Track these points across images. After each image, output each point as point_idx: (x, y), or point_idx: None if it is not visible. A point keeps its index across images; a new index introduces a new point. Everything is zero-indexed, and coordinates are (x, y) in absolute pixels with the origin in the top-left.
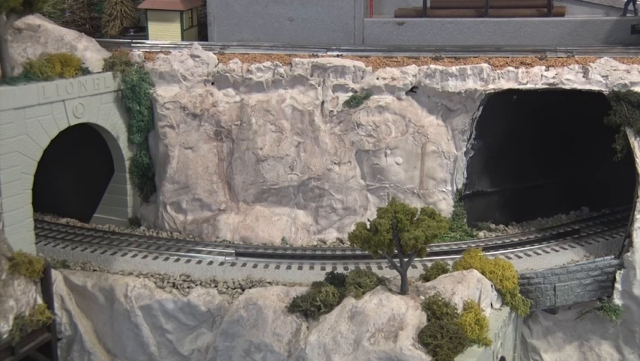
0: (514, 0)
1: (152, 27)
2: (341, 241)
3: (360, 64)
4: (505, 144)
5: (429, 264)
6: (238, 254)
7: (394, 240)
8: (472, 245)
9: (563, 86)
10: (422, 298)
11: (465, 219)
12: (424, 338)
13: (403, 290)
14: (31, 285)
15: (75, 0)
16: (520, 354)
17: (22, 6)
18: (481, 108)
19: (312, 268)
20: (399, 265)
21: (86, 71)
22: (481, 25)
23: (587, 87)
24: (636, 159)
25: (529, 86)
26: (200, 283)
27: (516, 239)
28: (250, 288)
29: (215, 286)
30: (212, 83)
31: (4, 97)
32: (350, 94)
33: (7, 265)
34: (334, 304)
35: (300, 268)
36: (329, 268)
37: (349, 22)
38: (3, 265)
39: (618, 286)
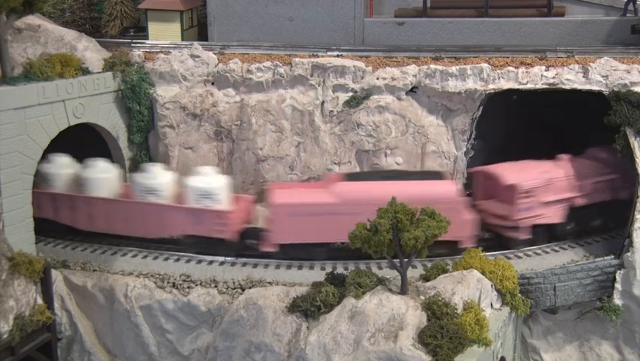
0: (514, 0)
1: (152, 27)
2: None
3: (360, 64)
4: (505, 143)
5: (429, 264)
6: (238, 254)
7: (394, 240)
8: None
9: (563, 86)
10: (422, 298)
11: None
12: (424, 338)
13: (403, 290)
14: (31, 285)
15: (75, 0)
16: (520, 354)
17: (22, 6)
18: (481, 108)
19: (312, 268)
20: (399, 265)
21: (86, 71)
22: (481, 25)
23: (587, 87)
24: (636, 159)
25: (529, 86)
26: (200, 283)
27: None
28: (250, 288)
29: (215, 286)
30: (212, 83)
31: (4, 97)
32: (350, 94)
33: (7, 265)
34: (334, 304)
35: (300, 268)
36: (329, 268)
37: (349, 22)
38: (3, 265)
39: (618, 286)
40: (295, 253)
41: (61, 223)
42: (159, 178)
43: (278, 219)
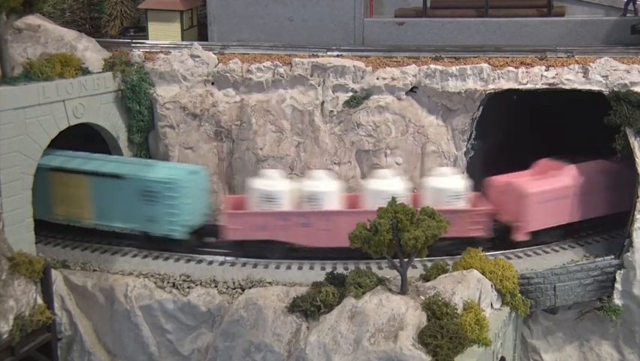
0: (514, 0)
1: (152, 27)
2: None
3: (360, 64)
4: (505, 143)
5: (429, 264)
6: (238, 254)
7: (394, 240)
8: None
9: (563, 86)
10: (422, 298)
11: None
12: (424, 338)
13: (403, 290)
14: (31, 285)
15: (75, 0)
16: (520, 354)
17: (22, 6)
18: (481, 108)
19: (312, 268)
20: (399, 265)
21: (85, 71)
22: (481, 25)
23: (587, 87)
24: (636, 159)
25: (529, 86)
26: (200, 283)
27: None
28: (250, 288)
29: (215, 286)
30: (212, 83)
31: (4, 97)
32: (350, 94)
33: (7, 265)
34: (334, 304)
35: (300, 268)
36: (329, 268)
37: (349, 22)
38: (3, 265)
39: (618, 286)
40: (543, 238)
41: (288, 243)
42: (396, 184)
43: (530, 208)
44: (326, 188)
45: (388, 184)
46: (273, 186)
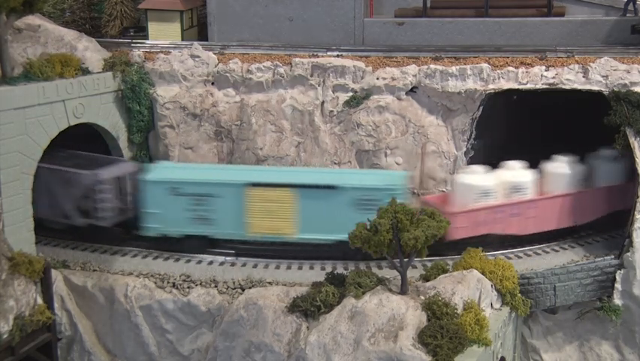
0: (514, 0)
1: (152, 27)
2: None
3: (360, 64)
4: (505, 143)
5: (429, 264)
6: (238, 254)
7: (394, 240)
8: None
9: (563, 86)
10: (422, 298)
11: None
12: (424, 338)
13: (403, 290)
14: (31, 285)
15: (75, 0)
16: (520, 354)
17: (22, 6)
18: (481, 108)
19: (312, 268)
20: (399, 265)
21: (86, 71)
22: (481, 25)
23: (587, 87)
24: (636, 159)
25: (529, 86)
26: (200, 283)
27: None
28: (250, 288)
29: (215, 286)
30: (212, 83)
31: (4, 97)
32: (350, 94)
33: (7, 265)
34: (334, 304)
35: (300, 268)
36: (329, 268)
37: (349, 22)
38: (3, 265)
39: (618, 286)
40: None
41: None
42: (568, 167)
43: None
44: (529, 177)
45: (564, 167)
46: (486, 180)
